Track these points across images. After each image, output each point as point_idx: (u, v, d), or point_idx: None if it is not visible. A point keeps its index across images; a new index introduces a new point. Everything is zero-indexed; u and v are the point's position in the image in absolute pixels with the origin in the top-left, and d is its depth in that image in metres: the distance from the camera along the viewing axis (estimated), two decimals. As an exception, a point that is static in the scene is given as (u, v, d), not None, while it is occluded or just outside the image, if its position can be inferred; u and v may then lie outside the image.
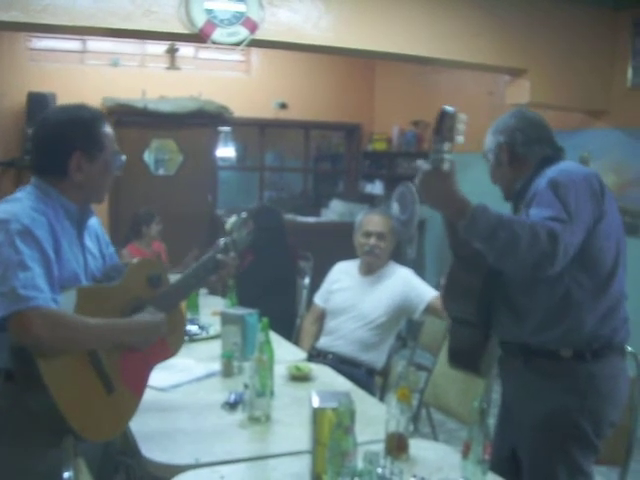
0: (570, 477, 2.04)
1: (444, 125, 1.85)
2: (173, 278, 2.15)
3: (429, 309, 3.31)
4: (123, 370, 1.92)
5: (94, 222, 2.12)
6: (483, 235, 1.88)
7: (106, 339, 1.87)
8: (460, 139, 1.87)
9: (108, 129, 1.99)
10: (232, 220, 2.28)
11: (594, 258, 2.04)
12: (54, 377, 1.72)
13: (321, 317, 3.58)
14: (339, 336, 3.38)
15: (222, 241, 2.22)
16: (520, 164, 2.22)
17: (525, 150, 2.21)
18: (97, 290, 1.95)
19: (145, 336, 1.96)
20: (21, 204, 1.82)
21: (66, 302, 1.79)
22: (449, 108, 1.87)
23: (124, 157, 2.05)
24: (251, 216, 2.29)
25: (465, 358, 2.24)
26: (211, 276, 2.16)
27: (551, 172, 2.08)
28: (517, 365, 2.16)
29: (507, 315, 2.14)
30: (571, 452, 2.04)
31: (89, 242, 2.04)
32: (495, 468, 1.83)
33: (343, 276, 3.58)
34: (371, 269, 3.47)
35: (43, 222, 1.80)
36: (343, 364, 3.22)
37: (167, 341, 2.06)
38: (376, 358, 3.35)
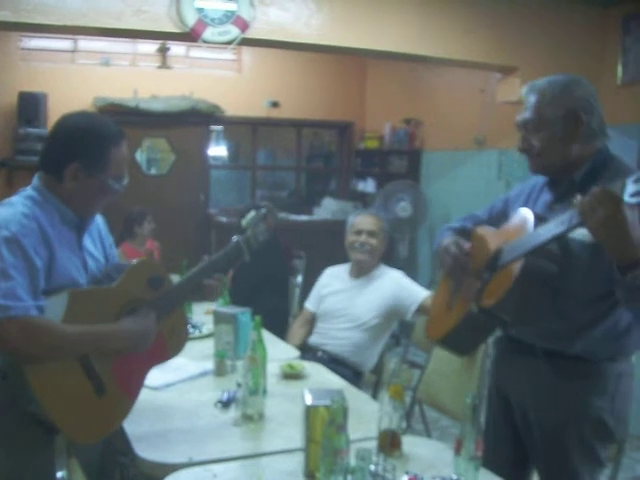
0: (591, 471, 2.01)
1: None
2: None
3: (421, 309, 3.29)
4: (117, 371, 1.88)
5: (99, 221, 2.10)
6: None
7: (90, 346, 1.83)
8: None
9: (120, 152, 1.93)
10: (250, 215, 2.11)
11: None
12: (40, 379, 1.72)
13: (310, 321, 3.56)
14: (331, 337, 3.37)
15: (234, 239, 2.09)
16: (584, 145, 1.91)
17: (596, 130, 1.90)
18: (90, 293, 1.91)
19: (133, 342, 1.90)
20: (13, 210, 1.80)
21: (55, 306, 1.77)
22: None
23: (126, 181, 1.97)
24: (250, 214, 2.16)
25: (462, 343, 2.11)
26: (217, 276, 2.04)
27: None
28: (536, 366, 2.03)
29: (555, 323, 1.96)
30: (594, 447, 2.00)
31: (90, 244, 2.01)
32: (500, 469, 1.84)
33: (333, 280, 3.56)
34: (362, 270, 3.46)
35: (33, 229, 1.78)
36: (332, 363, 3.21)
37: (167, 343, 2.01)
38: (366, 359, 3.35)
